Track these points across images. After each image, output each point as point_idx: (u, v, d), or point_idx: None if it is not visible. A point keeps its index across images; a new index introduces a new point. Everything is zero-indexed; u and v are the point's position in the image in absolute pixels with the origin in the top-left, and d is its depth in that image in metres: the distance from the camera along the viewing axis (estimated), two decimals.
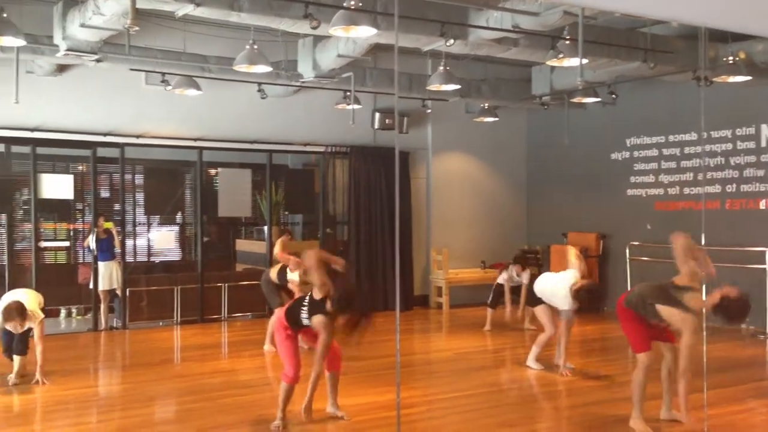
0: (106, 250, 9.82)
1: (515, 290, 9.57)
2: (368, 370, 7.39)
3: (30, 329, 6.75)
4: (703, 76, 8.46)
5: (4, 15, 6.16)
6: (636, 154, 11.11)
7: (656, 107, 10.84)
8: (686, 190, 10.43)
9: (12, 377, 6.79)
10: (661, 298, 5.27)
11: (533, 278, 8.18)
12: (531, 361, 7.46)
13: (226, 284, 10.47)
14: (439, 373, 7.77)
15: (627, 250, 10.83)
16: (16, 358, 6.84)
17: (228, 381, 7.04)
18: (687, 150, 10.47)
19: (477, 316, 10.33)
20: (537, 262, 12.18)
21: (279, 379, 5.56)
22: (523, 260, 9.76)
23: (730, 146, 9.91)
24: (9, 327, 6.62)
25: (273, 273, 8.26)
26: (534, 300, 7.59)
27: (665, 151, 10.72)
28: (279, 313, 5.86)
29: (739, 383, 6.88)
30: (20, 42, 6.53)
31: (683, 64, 8.92)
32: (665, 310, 5.21)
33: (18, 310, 6.54)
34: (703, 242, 8.16)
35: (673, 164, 10.61)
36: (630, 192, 11.18)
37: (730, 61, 8.24)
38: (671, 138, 10.63)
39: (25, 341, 6.85)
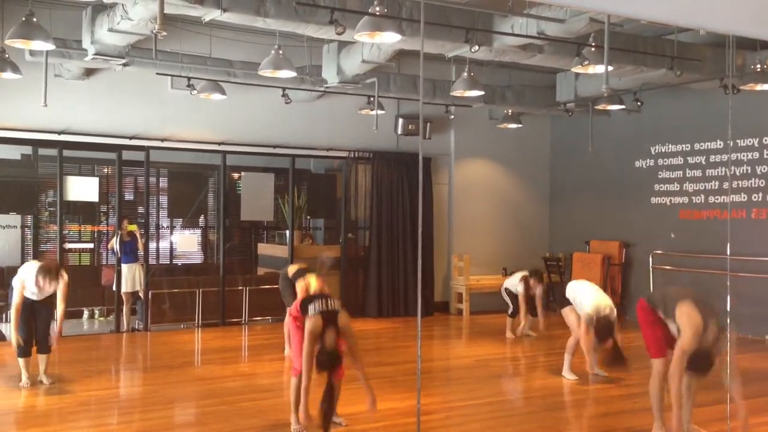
0: (129, 252, 9.92)
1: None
2: (388, 375, 7.39)
3: (50, 326, 6.83)
4: (731, 84, 8.37)
5: (34, 19, 6.23)
6: (660, 162, 11.02)
7: (682, 115, 10.74)
8: (711, 199, 10.32)
9: (26, 380, 6.74)
10: (683, 296, 5.14)
11: (548, 288, 8.11)
12: (566, 372, 7.36)
13: (248, 288, 10.51)
14: (459, 380, 7.74)
15: (650, 259, 10.73)
16: (42, 357, 6.81)
17: (248, 384, 7.07)
18: (712, 158, 10.36)
19: (497, 323, 10.28)
20: (559, 270, 12.11)
21: None
22: (539, 274, 9.62)
23: (756, 155, 9.79)
24: (39, 282, 6.57)
25: (291, 272, 8.15)
26: (562, 301, 7.52)
27: (690, 160, 10.62)
28: (291, 310, 5.82)
29: (762, 395, 6.77)
30: (50, 46, 6.61)
31: (710, 71, 8.85)
32: (681, 308, 5.05)
33: (56, 269, 6.62)
34: (728, 252, 8.08)
35: (698, 173, 10.50)
36: (654, 200, 11.08)
37: (758, 69, 8.15)
38: (697, 146, 10.52)
39: (47, 335, 6.83)
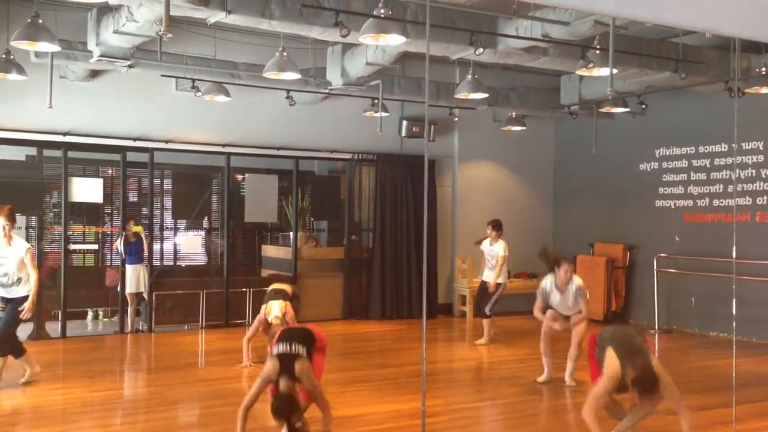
0: (134, 253, 9.93)
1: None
2: (392, 377, 7.39)
3: (10, 325, 6.68)
4: (736, 87, 8.36)
5: (40, 21, 6.25)
6: (665, 165, 11.00)
7: (686, 118, 10.73)
8: (716, 202, 10.30)
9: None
10: (608, 341, 5.06)
11: None
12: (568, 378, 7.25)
13: (251, 289, 10.51)
14: (463, 382, 7.73)
15: (655, 262, 10.71)
16: None
17: (251, 386, 7.05)
18: (717, 161, 10.34)
19: (500, 326, 10.27)
20: None
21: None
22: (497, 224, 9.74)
23: (761, 158, 9.76)
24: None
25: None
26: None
27: (695, 163, 10.60)
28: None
29: (766, 399, 6.75)
30: (55, 48, 6.63)
31: (715, 74, 8.84)
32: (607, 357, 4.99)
33: (11, 211, 6.60)
34: (734, 255, 8.06)
35: (702, 175, 10.49)
36: (658, 203, 11.07)
37: (763, 72, 8.14)
38: (701, 149, 10.50)
39: (12, 336, 6.68)
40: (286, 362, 5.09)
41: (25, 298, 6.64)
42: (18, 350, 6.81)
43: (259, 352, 8.36)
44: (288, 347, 5.16)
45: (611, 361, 4.93)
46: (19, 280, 6.66)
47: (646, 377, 4.77)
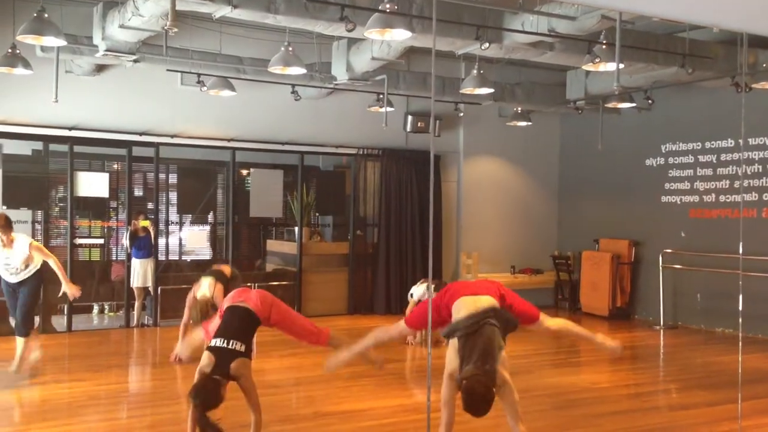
0: (143, 248, 9.94)
1: None
2: (397, 372, 7.39)
3: (29, 308, 6.75)
4: (743, 82, 8.32)
5: (46, 15, 6.26)
6: (671, 160, 10.97)
7: (693, 113, 10.69)
8: (722, 198, 10.26)
9: (13, 366, 6.79)
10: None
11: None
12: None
13: (256, 284, 10.51)
14: None
15: (660, 258, 10.68)
16: (19, 341, 6.78)
17: (256, 380, 7.04)
18: (723, 157, 10.30)
19: None
20: (568, 268, 12.08)
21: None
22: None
23: (767, 154, 9.74)
24: None
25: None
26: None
27: (701, 158, 10.56)
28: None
29: None
30: (61, 42, 6.63)
31: (722, 69, 8.80)
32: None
33: (6, 219, 6.65)
34: (740, 251, 8.03)
35: (709, 171, 10.45)
36: (664, 199, 11.04)
37: None
38: (708, 145, 10.47)
39: (25, 318, 6.75)
40: (221, 358, 4.74)
41: (33, 277, 6.82)
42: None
43: (266, 346, 8.35)
44: (225, 342, 4.81)
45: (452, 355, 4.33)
46: (26, 266, 6.81)
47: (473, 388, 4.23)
